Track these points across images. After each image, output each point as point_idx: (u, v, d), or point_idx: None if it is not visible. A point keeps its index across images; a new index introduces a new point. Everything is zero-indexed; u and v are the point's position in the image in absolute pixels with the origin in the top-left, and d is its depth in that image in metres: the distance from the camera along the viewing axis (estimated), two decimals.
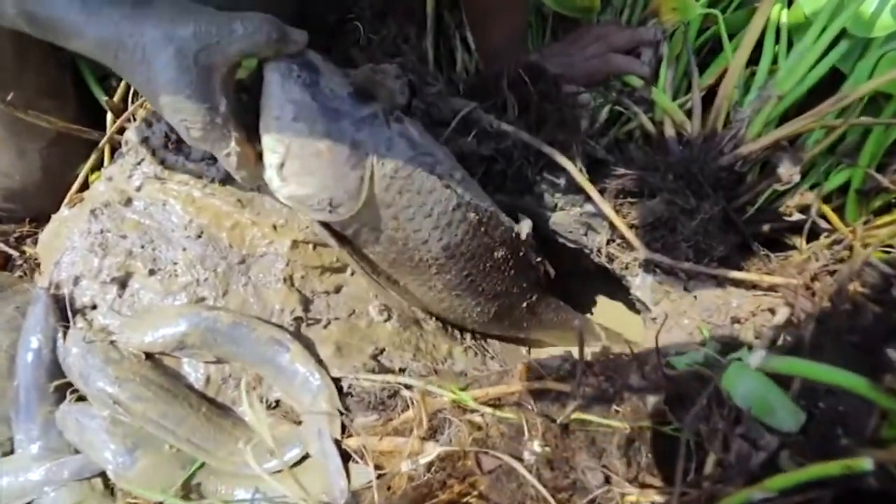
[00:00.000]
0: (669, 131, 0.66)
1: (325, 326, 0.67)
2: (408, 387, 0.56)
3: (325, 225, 0.57)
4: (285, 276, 0.68)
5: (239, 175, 0.54)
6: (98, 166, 0.78)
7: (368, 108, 0.54)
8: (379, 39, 0.88)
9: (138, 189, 0.69)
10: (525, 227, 0.68)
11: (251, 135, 0.52)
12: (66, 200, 0.76)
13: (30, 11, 0.46)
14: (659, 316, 0.66)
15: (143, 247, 0.65)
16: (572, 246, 0.79)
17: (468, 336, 0.81)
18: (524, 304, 0.75)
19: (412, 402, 0.53)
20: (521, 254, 0.70)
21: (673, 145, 0.65)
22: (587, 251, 0.78)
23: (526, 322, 0.79)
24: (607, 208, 0.62)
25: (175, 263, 0.65)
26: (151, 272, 0.64)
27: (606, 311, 1.01)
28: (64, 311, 0.61)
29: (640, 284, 0.68)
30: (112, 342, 0.58)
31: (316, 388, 0.57)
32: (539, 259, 0.75)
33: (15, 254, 0.75)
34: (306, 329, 0.66)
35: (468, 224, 0.61)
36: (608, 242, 0.69)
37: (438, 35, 0.89)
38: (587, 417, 0.48)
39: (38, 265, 0.76)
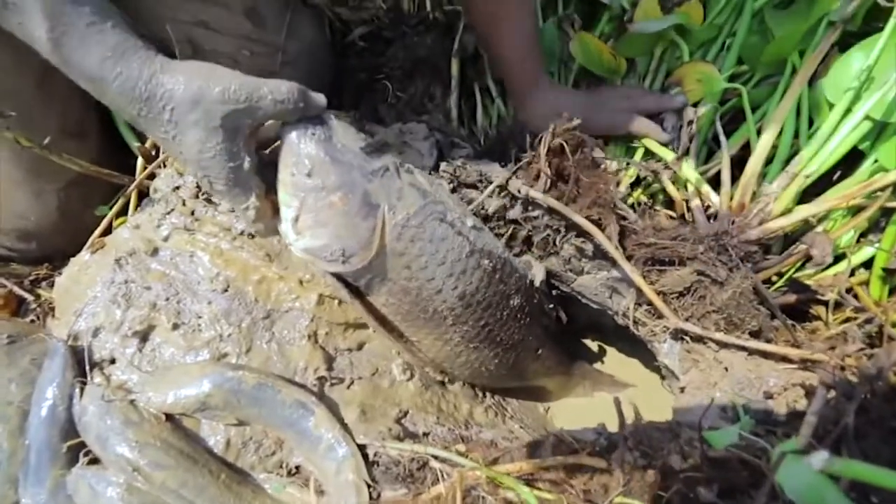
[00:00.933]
0: (695, 201, 0.68)
1: (349, 386, 0.65)
2: (436, 458, 0.54)
3: (339, 277, 0.57)
4: (309, 332, 0.67)
5: (255, 228, 0.55)
6: (122, 211, 0.78)
7: (379, 161, 0.56)
8: (407, 97, 0.91)
9: (165, 239, 0.69)
10: (539, 273, 0.68)
11: (269, 189, 0.54)
12: (87, 244, 0.75)
13: (59, 44, 0.46)
14: (688, 385, 0.65)
15: (167, 299, 0.64)
16: (595, 307, 0.79)
17: (488, 395, 0.80)
18: (538, 352, 0.74)
19: (443, 476, 0.52)
20: (536, 300, 0.69)
21: (700, 216, 0.66)
22: (610, 312, 0.78)
23: (535, 370, 0.78)
24: (638, 278, 0.63)
25: (199, 317, 0.64)
26: (175, 326, 0.63)
27: (623, 366, 1.00)
28: (82, 364, 0.59)
29: (668, 352, 0.67)
30: (132, 401, 0.56)
31: (341, 456, 0.55)
32: (552, 305, 0.74)
33: (29, 297, 0.74)
34: (329, 389, 0.64)
35: (482, 271, 0.60)
36: (635, 307, 0.69)
37: (461, 93, 0.91)
38: (630, 503, 0.46)
39: (53, 310, 0.74)
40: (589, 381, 0.93)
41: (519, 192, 0.67)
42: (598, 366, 1.00)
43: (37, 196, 0.72)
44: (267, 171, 0.54)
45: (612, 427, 0.63)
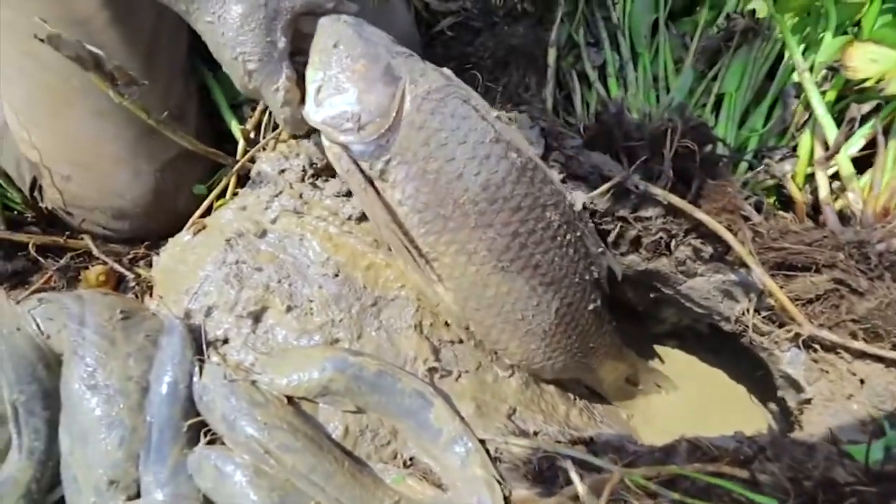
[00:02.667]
0: (828, 203, 0.64)
1: (457, 379, 0.64)
2: (565, 456, 0.52)
3: (356, 163, 0.55)
4: (416, 322, 0.65)
5: (283, 113, 0.57)
6: (221, 194, 0.78)
7: (406, 49, 0.57)
8: (499, 87, 0.89)
9: (273, 221, 0.68)
10: (579, 197, 0.63)
11: (300, 81, 0.56)
12: (188, 224, 0.75)
13: None
14: (815, 396, 0.62)
15: (279, 281, 0.63)
16: (700, 311, 0.76)
17: (578, 398, 0.77)
18: (589, 309, 0.64)
19: (577, 476, 0.49)
20: (579, 235, 0.61)
21: (834, 219, 0.63)
22: (717, 318, 0.75)
23: (592, 342, 0.67)
24: (772, 284, 0.59)
25: (311, 301, 0.63)
26: (288, 309, 0.62)
27: (707, 376, 0.96)
28: (198, 342, 0.59)
29: (793, 360, 0.64)
30: (253, 382, 0.55)
31: (465, 451, 0.53)
32: (601, 249, 0.65)
33: (129, 275, 0.74)
34: (439, 381, 0.62)
35: (510, 163, 0.55)
36: (755, 313, 0.65)
37: (556, 83, 0.89)
38: None
39: (151, 288, 0.74)
40: (641, 376, 0.86)
41: (637, 188, 0.65)
42: (679, 373, 0.96)
43: (135, 176, 0.72)
44: (299, 63, 0.56)
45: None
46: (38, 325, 0.61)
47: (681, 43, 0.86)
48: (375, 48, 0.55)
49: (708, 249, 0.66)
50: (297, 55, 0.56)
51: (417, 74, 0.54)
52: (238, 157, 0.78)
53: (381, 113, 0.53)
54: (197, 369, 0.56)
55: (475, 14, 0.94)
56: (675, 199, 0.62)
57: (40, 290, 0.72)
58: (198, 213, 0.76)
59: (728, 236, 0.60)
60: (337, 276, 0.64)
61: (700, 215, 0.61)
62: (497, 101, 0.87)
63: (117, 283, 0.75)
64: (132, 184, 0.72)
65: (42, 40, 0.54)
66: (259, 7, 0.52)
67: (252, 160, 0.76)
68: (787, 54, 0.80)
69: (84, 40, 0.56)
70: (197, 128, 0.80)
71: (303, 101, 0.56)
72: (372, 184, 0.56)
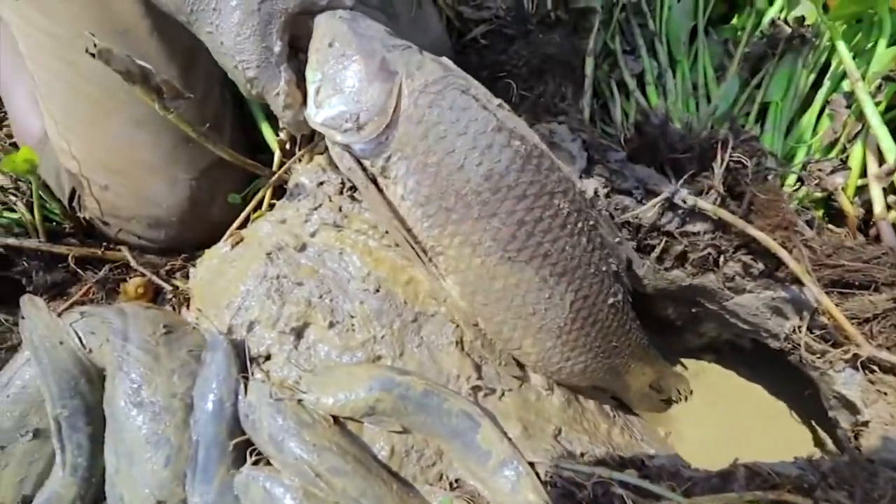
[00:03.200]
0: (883, 217, 0.62)
1: (501, 398, 0.62)
2: (622, 483, 0.50)
3: (358, 162, 0.55)
4: (456, 338, 0.64)
5: (286, 117, 0.57)
6: (257, 205, 0.77)
7: (402, 41, 0.56)
8: (534, 96, 0.88)
9: (313, 235, 0.68)
10: (591, 184, 0.60)
11: (300, 82, 0.56)
12: (225, 236, 0.74)
13: None
14: (872, 419, 0.60)
15: (321, 296, 0.63)
16: (745, 327, 0.74)
17: (618, 415, 0.76)
18: (608, 303, 0.60)
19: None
20: (592, 223, 0.58)
21: (890, 235, 0.61)
22: (763, 335, 0.73)
23: (615, 340, 0.63)
24: (828, 302, 0.58)
25: (352, 317, 0.62)
26: (331, 325, 0.61)
27: (744, 392, 0.94)
28: (242, 359, 0.58)
29: (848, 381, 0.62)
30: (299, 401, 0.54)
31: (516, 475, 0.52)
32: (618, 239, 0.61)
33: (167, 287, 0.73)
34: (483, 399, 0.61)
35: (513, 151, 0.52)
36: (807, 331, 0.63)
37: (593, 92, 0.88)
38: None
39: (188, 300, 0.74)
40: (667, 383, 0.82)
41: (685, 202, 0.63)
42: (715, 388, 0.94)
43: (171, 184, 0.72)
44: (298, 66, 0.56)
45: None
46: (80, 339, 0.61)
47: (722, 49, 0.84)
48: (370, 43, 0.54)
49: (758, 266, 0.65)
50: (301, 53, 0.57)
51: (414, 67, 0.54)
52: (274, 168, 0.77)
53: (379, 111, 0.52)
54: (242, 387, 0.55)
55: (508, 22, 0.92)
56: (727, 216, 0.60)
57: (79, 302, 0.72)
58: (235, 224, 0.75)
59: (784, 254, 0.58)
60: (378, 291, 0.63)
61: (754, 232, 0.59)
62: (532, 110, 0.85)
63: (155, 295, 0.75)
64: (168, 192, 0.72)
65: (93, 55, 0.54)
66: (252, 13, 0.53)
67: (288, 171, 0.75)
68: (834, 63, 0.78)
69: (125, 50, 0.56)
70: (232, 137, 0.80)
71: (305, 102, 0.56)
72: (375, 181, 0.55)
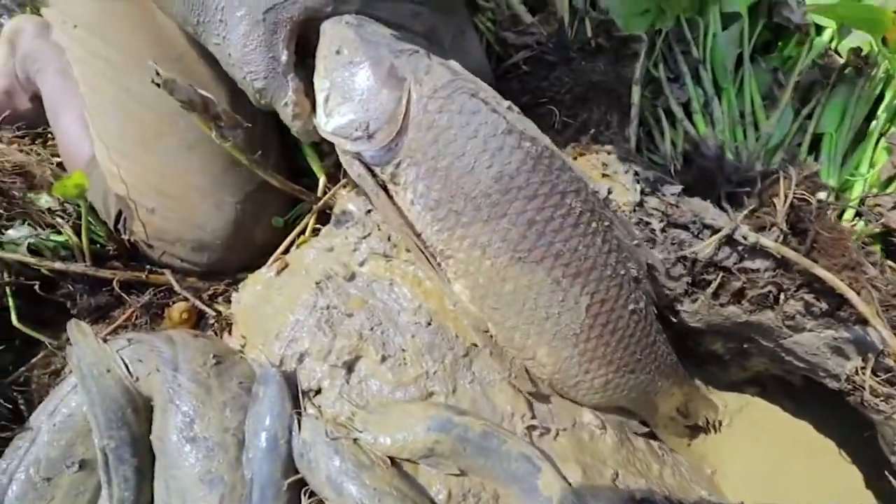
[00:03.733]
0: None
1: (556, 438, 0.60)
2: None
3: (368, 168, 0.55)
4: (508, 374, 0.63)
5: (295, 127, 0.57)
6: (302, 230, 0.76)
7: (410, 45, 0.56)
8: (578, 124, 0.87)
9: (361, 264, 0.67)
10: (603, 186, 0.59)
11: (308, 90, 0.56)
12: (269, 262, 0.74)
13: None
14: None
15: (371, 329, 0.61)
16: (801, 365, 0.72)
17: (666, 454, 0.73)
18: (629, 309, 0.57)
19: None
20: (607, 224, 0.56)
21: None
22: (821, 374, 0.71)
23: (638, 353, 0.60)
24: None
25: (404, 351, 0.61)
26: (383, 359, 0.60)
27: (790, 427, 0.91)
28: (293, 393, 0.57)
29: None
30: (355, 440, 0.52)
31: None
32: (636, 242, 0.58)
33: (210, 312, 0.73)
34: (539, 440, 0.59)
35: (524, 152, 0.52)
36: (871, 373, 0.61)
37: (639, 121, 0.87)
38: None
39: (230, 326, 0.73)
40: (695, 407, 0.79)
41: (745, 238, 0.62)
42: (759, 423, 0.91)
43: (217, 207, 0.72)
44: (306, 72, 0.56)
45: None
46: (126, 367, 0.60)
47: (770, 78, 0.83)
48: (378, 49, 0.54)
49: (821, 305, 0.63)
50: (309, 59, 0.57)
51: (422, 73, 0.54)
52: (319, 193, 0.77)
53: (389, 118, 0.52)
54: (296, 423, 0.54)
55: (550, 48, 0.92)
56: (792, 255, 0.59)
57: (122, 326, 0.71)
58: (279, 249, 0.75)
59: (853, 296, 0.57)
60: (430, 324, 0.62)
61: (821, 273, 0.57)
62: (577, 138, 0.84)
63: (198, 320, 0.74)
64: (214, 216, 0.72)
65: (157, 84, 0.54)
66: (258, 23, 0.53)
67: (333, 197, 0.75)
68: (888, 94, 0.76)
69: (179, 75, 0.56)
70: (278, 163, 0.79)
71: (314, 111, 0.56)
72: (385, 188, 0.56)
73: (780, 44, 0.90)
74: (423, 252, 0.55)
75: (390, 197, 0.56)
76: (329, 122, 0.54)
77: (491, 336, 0.59)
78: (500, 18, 0.94)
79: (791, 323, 0.65)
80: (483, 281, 0.55)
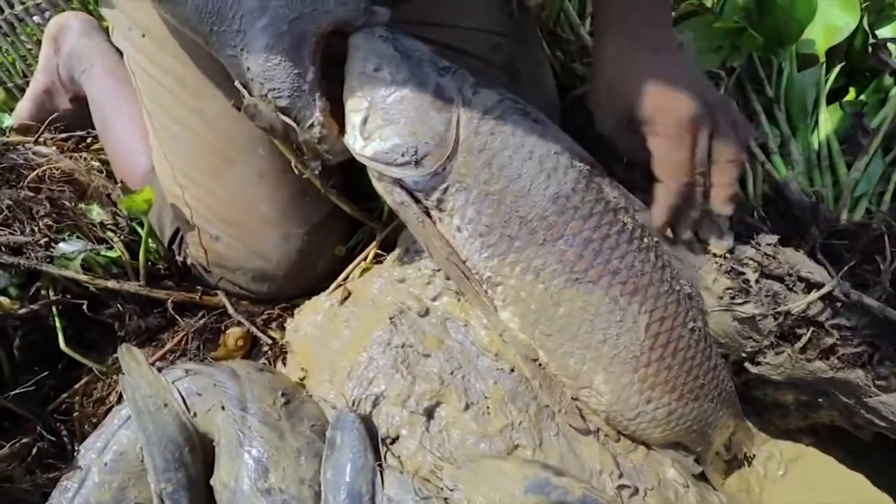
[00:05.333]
0: None
1: (644, 498, 0.57)
2: None
3: (410, 193, 0.51)
4: (594, 427, 0.59)
5: (322, 149, 0.52)
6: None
7: (448, 62, 0.53)
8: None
9: (435, 299, 0.63)
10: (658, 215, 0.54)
11: (335, 109, 0.52)
12: (330, 289, 0.70)
13: None
14: None
15: (452, 373, 0.57)
16: (883, 424, 0.69)
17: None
18: (688, 328, 0.54)
19: None
20: (656, 241, 0.54)
21: None
22: None
23: (701, 377, 0.56)
24: None
25: (486, 398, 0.57)
26: (466, 406, 0.56)
27: (844, 479, 0.88)
28: (373, 441, 0.53)
29: None
30: (445, 500, 0.48)
31: None
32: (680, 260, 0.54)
33: (265, 339, 0.68)
34: (629, 500, 0.56)
35: (577, 172, 0.52)
36: None
37: None
38: None
39: (284, 354, 0.69)
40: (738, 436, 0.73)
41: (848, 297, 0.59)
42: (815, 475, 0.88)
43: (284, 238, 0.68)
44: (333, 89, 0.52)
45: None
46: (184, 400, 0.56)
47: (850, 122, 0.81)
48: (421, 67, 0.51)
49: None
50: (328, 70, 0.52)
51: (470, 93, 0.52)
52: (385, 218, 0.73)
53: (439, 142, 0.50)
54: (379, 477, 0.50)
55: None
56: None
57: (173, 350, 0.67)
58: (340, 277, 0.71)
59: None
60: (512, 371, 0.58)
61: None
62: (647, 172, 0.82)
63: (251, 347, 0.70)
64: (281, 246, 0.68)
65: (239, 108, 0.50)
66: (282, 35, 0.47)
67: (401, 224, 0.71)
68: None
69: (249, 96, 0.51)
70: (341, 187, 0.76)
71: (341, 131, 0.52)
72: (428, 214, 0.53)
73: (853, 89, 0.88)
74: (469, 280, 0.53)
75: (435, 224, 0.53)
76: (368, 147, 0.51)
77: (541, 366, 0.56)
78: (567, 49, 0.91)
79: (882, 383, 0.62)
80: (535, 307, 0.53)
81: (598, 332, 0.52)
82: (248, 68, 0.48)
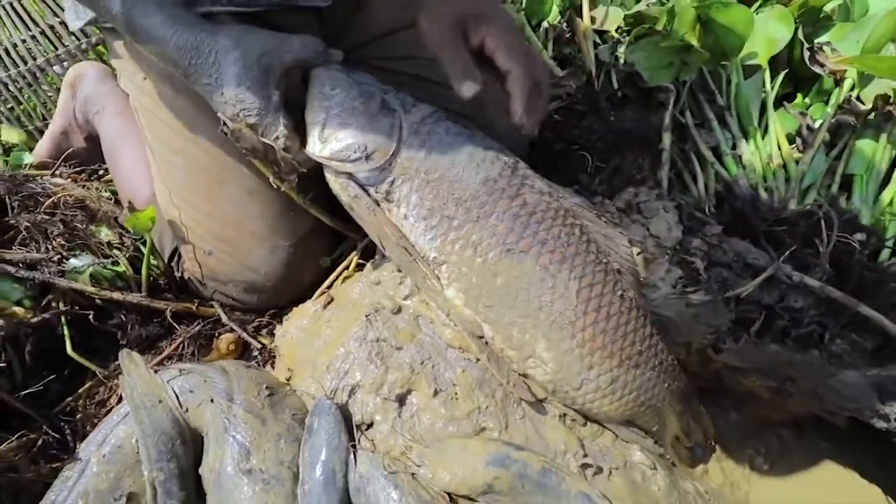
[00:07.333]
0: None
1: (609, 477, 0.60)
2: None
3: (362, 188, 0.60)
4: (559, 412, 0.63)
5: (285, 158, 0.61)
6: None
7: (393, 88, 0.63)
8: (610, 168, 0.90)
9: (406, 298, 0.68)
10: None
11: (298, 127, 0.61)
12: (315, 295, 0.75)
13: (129, 14, 0.59)
14: None
15: (422, 362, 0.62)
16: (846, 405, 0.71)
17: (712, 498, 0.71)
18: (618, 295, 0.58)
19: None
20: (581, 224, 0.60)
21: None
22: (868, 414, 0.70)
23: (638, 343, 0.58)
24: None
25: (455, 385, 0.61)
26: (435, 392, 0.60)
27: (829, 472, 0.88)
28: (348, 425, 0.57)
29: None
30: (413, 475, 0.52)
31: None
32: (615, 227, 0.61)
33: (255, 344, 0.73)
34: (593, 479, 0.58)
35: (503, 163, 0.60)
36: None
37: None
38: None
39: (273, 358, 0.74)
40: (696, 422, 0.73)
41: (790, 278, 0.63)
42: (801, 467, 0.89)
43: (272, 251, 0.74)
44: (295, 111, 0.61)
45: None
46: (177, 398, 0.61)
47: (796, 123, 0.87)
48: (369, 87, 0.62)
49: (867, 344, 0.63)
50: (289, 102, 0.62)
51: (409, 105, 0.62)
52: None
53: (385, 141, 0.59)
54: (352, 457, 0.54)
55: (579, 99, 0.97)
56: (838, 294, 0.60)
57: (170, 356, 0.72)
58: (325, 284, 0.77)
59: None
60: (478, 360, 0.62)
61: (869, 313, 0.58)
62: (610, 181, 0.88)
63: (242, 352, 0.75)
64: (268, 259, 0.73)
65: (225, 133, 0.58)
66: (251, 66, 0.58)
67: None
68: None
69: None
70: (323, 201, 0.82)
71: (303, 144, 0.62)
72: (378, 205, 0.61)
73: (800, 94, 0.94)
74: (417, 263, 0.60)
75: (385, 215, 0.61)
76: (325, 148, 0.60)
77: (487, 343, 0.60)
78: None
79: (836, 361, 0.65)
80: (476, 280, 0.59)
81: (533, 300, 0.57)
82: (222, 93, 0.58)
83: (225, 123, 0.59)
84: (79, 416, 0.67)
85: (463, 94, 0.59)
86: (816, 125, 0.83)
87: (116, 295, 0.69)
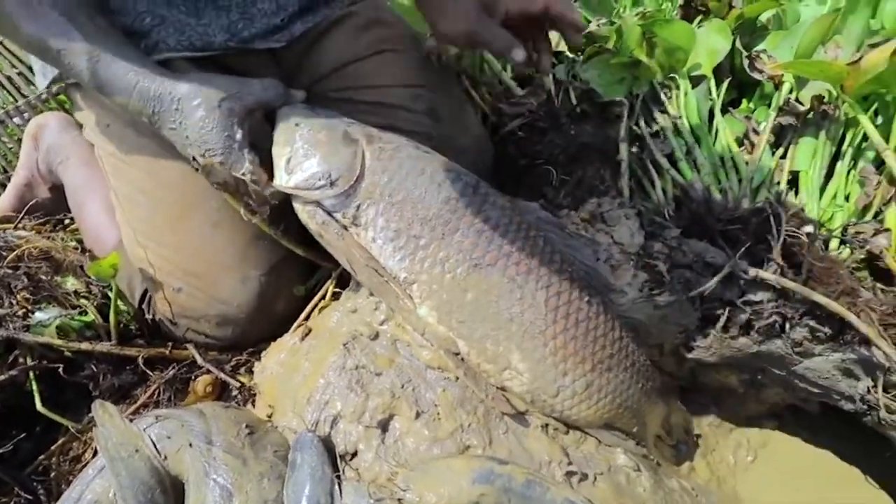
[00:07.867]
0: None
1: (594, 482, 0.60)
2: None
3: (330, 215, 0.62)
4: (541, 423, 0.63)
5: (254, 195, 0.63)
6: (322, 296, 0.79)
7: (356, 121, 0.67)
8: (574, 180, 0.94)
9: (382, 323, 0.68)
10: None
11: (263, 162, 0.64)
12: (293, 328, 0.75)
13: (95, 69, 0.61)
14: None
15: (402, 386, 0.62)
16: (815, 391, 0.74)
17: (699, 494, 0.73)
18: (585, 300, 0.60)
19: None
20: (543, 235, 0.63)
21: None
22: (836, 397, 0.73)
23: (609, 347, 0.61)
24: None
25: (436, 405, 0.61)
26: (417, 415, 0.60)
27: (815, 458, 0.90)
28: (332, 457, 0.56)
29: None
30: (399, 500, 0.52)
31: None
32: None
33: (234, 383, 0.73)
34: (578, 486, 0.59)
35: (464, 183, 0.63)
36: (882, 391, 0.64)
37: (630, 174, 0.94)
38: None
39: (253, 396, 0.73)
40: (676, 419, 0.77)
41: (745, 273, 0.66)
42: (784, 456, 0.91)
43: (242, 282, 0.74)
44: (261, 148, 0.64)
45: None
46: (154, 445, 0.60)
47: (743, 126, 0.92)
48: (331, 120, 0.65)
49: (825, 330, 0.66)
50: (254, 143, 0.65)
51: (371, 134, 0.65)
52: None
53: (348, 168, 0.62)
54: (337, 488, 0.53)
55: (541, 116, 1.01)
56: (792, 285, 0.63)
57: (145, 404, 0.71)
58: (301, 316, 0.76)
59: (854, 319, 0.60)
60: (458, 379, 0.63)
61: (822, 300, 0.61)
62: (574, 193, 0.91)
63: (221, 393, 0.74)
64: (239, 290, 0.73)
65: (196, 169, 0.59)
66: (214, 109, 0.60)
67: None
68: (849, 135, 0.85)
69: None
70: (296, 232, 0.83)
71: (270, 179, 0.64)
72: (346, 230, 0.63)
73: (744, 99, 1.00)
74: (388, 283, 0.61)
75: (353, 239, 0.63)
76: (291, 179, 0.62)
77: (463, 359, 0.61)
78: (494, 91, 1.04)
79: (800, 349, 0.68)
80: (447, 296, 0.60)
81: (504, 312, 0.59)
82: (187, 136, 0.60)
83: (195, 159, 0.60)
84: (52, 474, 0.65)
85: (517, 59, 0.65)
86: (761, 127, 0.88)
87: (85, 345, 0.68)
